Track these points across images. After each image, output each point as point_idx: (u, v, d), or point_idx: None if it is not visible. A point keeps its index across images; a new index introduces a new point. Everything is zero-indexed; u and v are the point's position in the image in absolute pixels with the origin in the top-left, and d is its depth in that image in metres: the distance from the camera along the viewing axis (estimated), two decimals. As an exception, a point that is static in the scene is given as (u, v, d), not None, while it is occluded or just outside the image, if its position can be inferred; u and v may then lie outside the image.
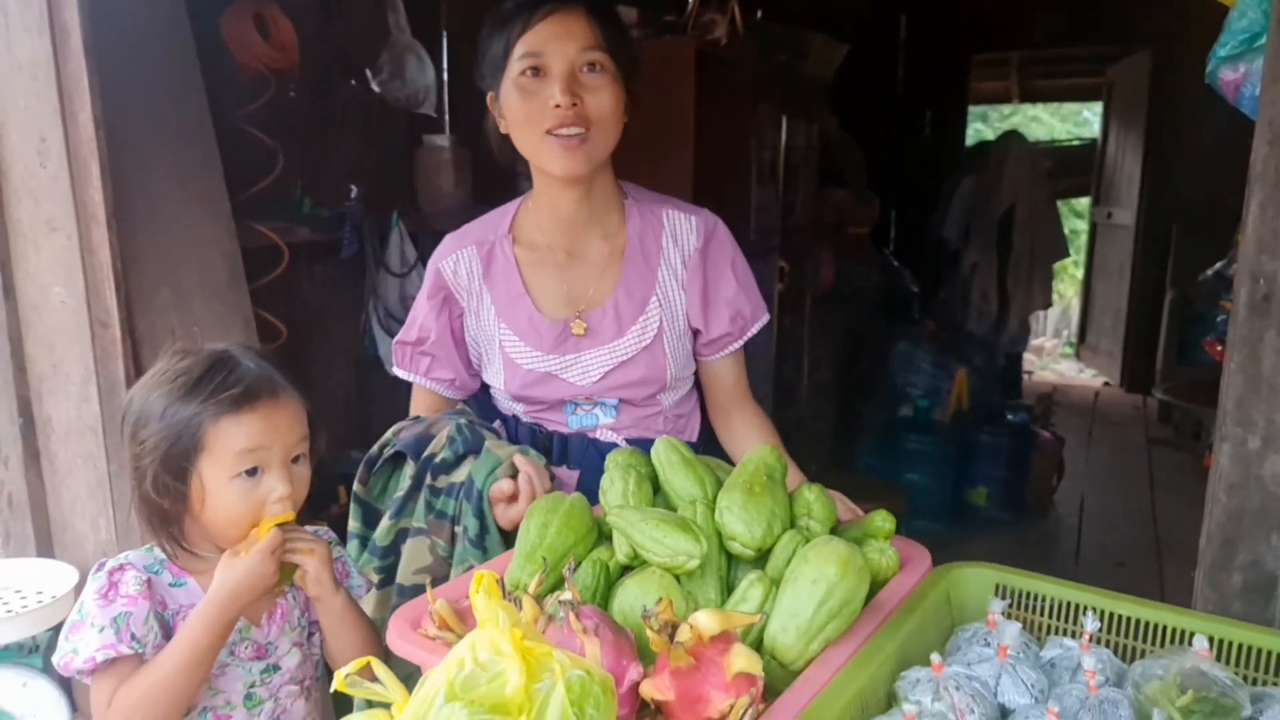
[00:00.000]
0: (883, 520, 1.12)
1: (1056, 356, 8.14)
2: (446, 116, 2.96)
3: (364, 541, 1.37)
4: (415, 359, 1.47)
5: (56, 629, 1.62)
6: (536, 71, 1.26)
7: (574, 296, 1.39)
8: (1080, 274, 7.67)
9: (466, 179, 2.89)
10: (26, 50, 1.63)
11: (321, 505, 2.47)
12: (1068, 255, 5.20)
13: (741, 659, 0.83)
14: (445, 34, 2.95)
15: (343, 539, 2.42)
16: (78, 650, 1.03)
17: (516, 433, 1.48)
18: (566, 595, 0.92)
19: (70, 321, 1.77)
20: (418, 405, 1.51)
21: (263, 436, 1.07)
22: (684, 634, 0.81)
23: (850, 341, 4.41)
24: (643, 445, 1.43)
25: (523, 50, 1.26)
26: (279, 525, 1.08)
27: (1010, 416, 3.98)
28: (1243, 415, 0.90)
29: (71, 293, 1.75)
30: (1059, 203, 5.61)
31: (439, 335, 1.44)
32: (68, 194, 1.67)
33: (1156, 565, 3.48)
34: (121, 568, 1.09)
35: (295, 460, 1.12)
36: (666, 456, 1.16)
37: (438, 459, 1.32)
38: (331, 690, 0.84)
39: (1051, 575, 1.09)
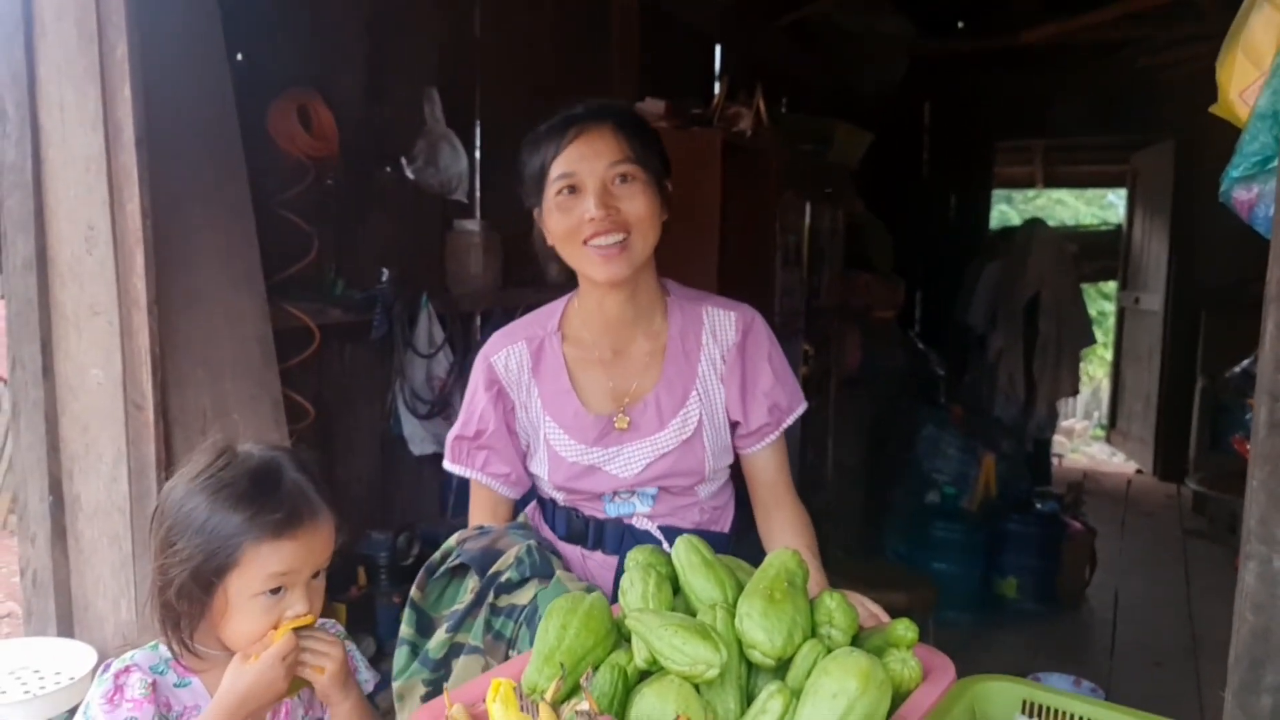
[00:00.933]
0: (905, 629, 1.10)
1: (1087, 439, 8.03)
2: (478, 202, 3.04)
3: (415, 649, 1.37)
4: (472, 454, 1.49)
5: (73, 711, 1.62)
6: (572, 190, 1.34)
7: (618, 392, 1.44)
8: (1109, 356, 7.62)
9: (495, 262, 2.95)
10: (81, 145, 1.70)
11: (341, 587, 2.46)
12: (1094, 342, 5.18)
13: (759, 780, 0.81)
14: (479, 123, 3.05)
15: (363, 624, 2.42)
16: None
17: (554, 517, 1.51)
18: (584, 705, 0.91)
19: (106, 403, 1.80)
20: (476, 505, 1.53)
21: (296, 561, 1.08)
22: (701, 754, 0.79)
23: (876, 425, 4.39)
24: (676, 534, 1.44)
25: (557, 172, 1.34)
26: (295, 629, 1.08)
27: (1040, 505, 3.91)
28: (1267, 533, 0.89)
29: (109, 375, 1.79)
30: (1086, 286, 5.62)
31: (496, 427, 1.47)
32: (112, 280, 1.72)
33: (1194, 664, 3.36)
34: (127, 669, 1.08)
35: (315, 575, 1.13)
36: (687, 558, 1.16)
37: (503, 577, 1.33)
38: None
39: (1085, 673, 1.06)
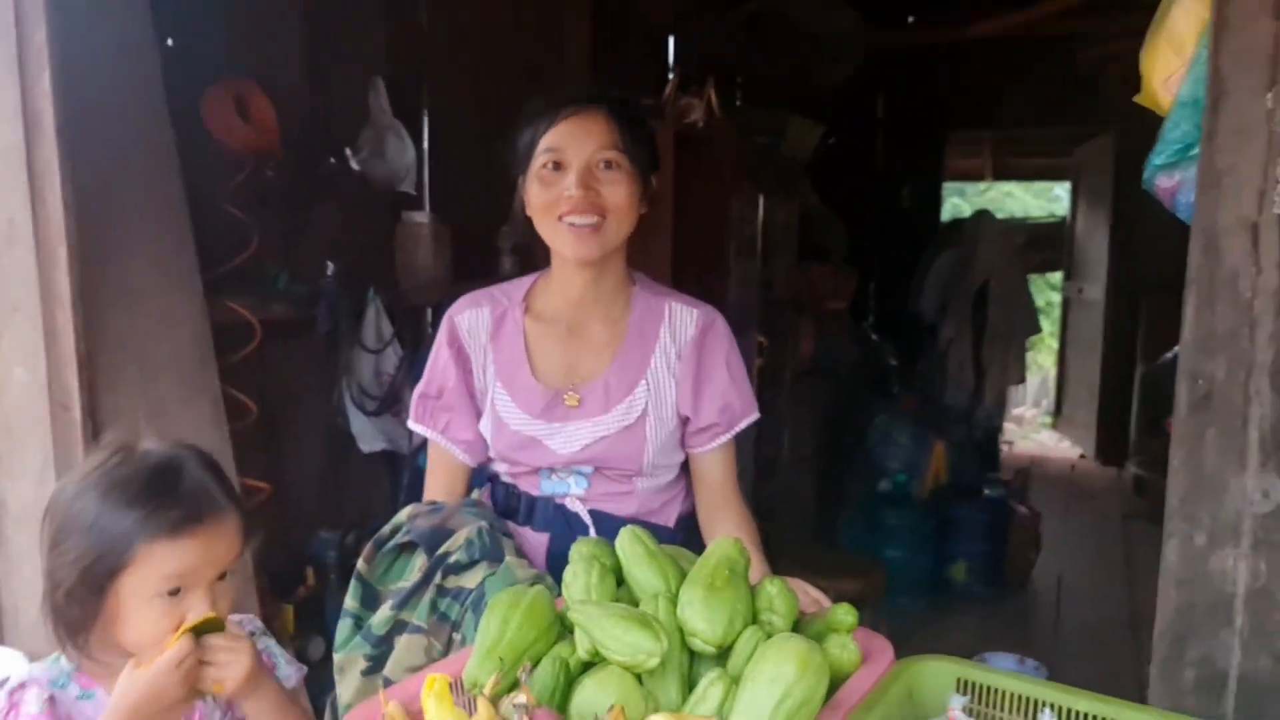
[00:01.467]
0: (845, 614, 1.11)
1: (1036, 426, 8.19)
2: (427, 193, 3.00)
3: (358, 622, 1.36)
4: (435, 414, 1.50)
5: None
6: (557, 166, 1.37)
7: (570, 370, 1.46)
8: (1056, 345, 7.78)
9: (445, 254, 2.91)
10: None
11: (289, 588, 2.42)
12: (1040, 331, 5.29)
13: (696, 767, 0.81)
14: (426, 114, 3.01)
15: (311, 624, 2.38)
16: None
17: (494, 493, 1.53)
18: (521, 699, 0.90)
19: (31, 404, 1.74)
20: (434, 470, 1.53)
21: (196, 561, 1.02)
22: (636, 744, 0.79)
23: (830, 415, 4.43)
24: (611, 521, 1.44)
25: (545, 145, 1.37)
26: (194, 629, 1.01)
27: (988, 491, 3.98)
28: (1188, 511, 0.91)
29: (33, 375, 1.73)
30: (1034, 277, 5.71)
31: (455, 384, 1.48)
32: (33, 276, 1.66)
33: (1134, 641, 3.45)
34: (23, 686, 1.03)
35: (221, 577, 1.06)
36: (631, 549, 1.15)
37: (452, 559, 1.32)
38: None
39: (1030, 652, 1.08)
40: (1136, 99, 1.07)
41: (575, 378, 1.45)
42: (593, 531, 1.45)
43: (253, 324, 2.28)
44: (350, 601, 1.38)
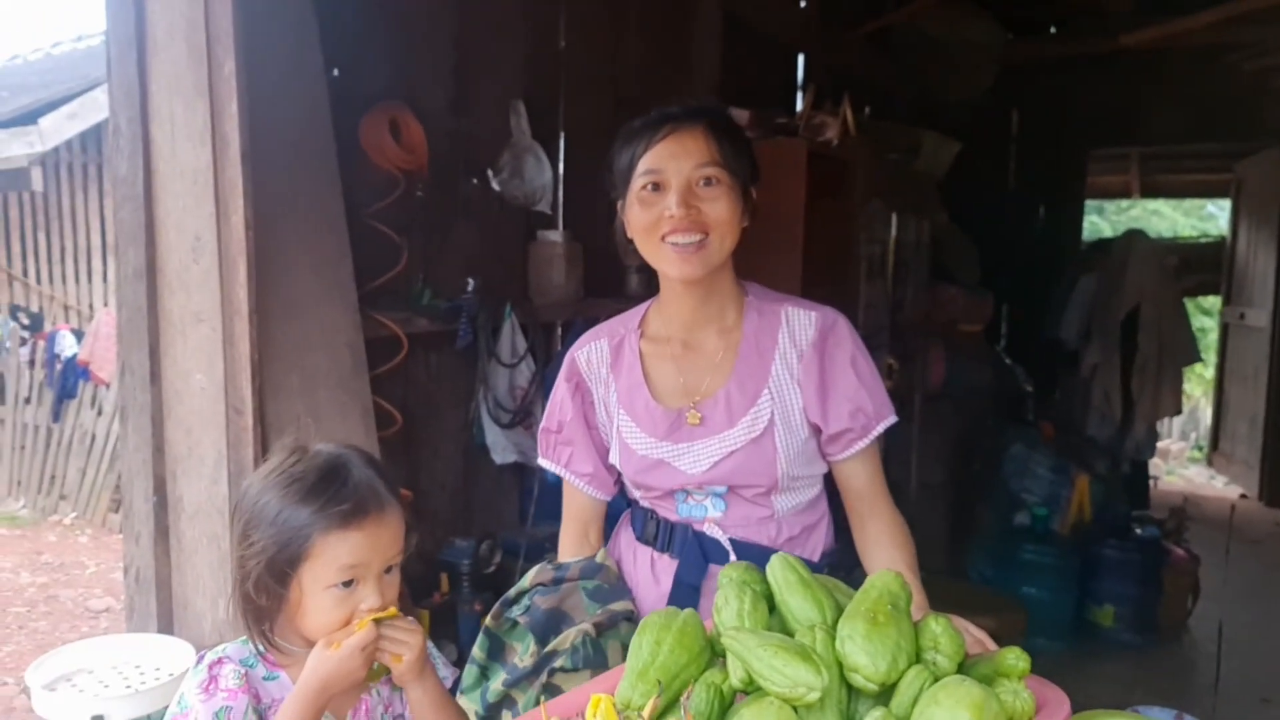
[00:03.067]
0: (1016, 659, 1.04)
1: (1184, 461, 7.68)
2: (561, 213, 3.06)
3: (484, 672, 1.40)
4: (557, 449, 1.53)
5: (171, 707, 1.66)
6: (656, 186, 1.35)
7: (689, 388, 1.43)
8: (1210, 374, 7.27)
9: (577, 273, 2.97)
10: (189, 158, 1.77)
11: (424, 593, 2.49)
12: (1199, 359, 4.92)
13: (868, 812, 0.78)
14: (563, 136, 3.08)
15: (445, 631, 2.44)
16: None
17: (634, 518, 1.54)
18: (682, 724, 0.89)
19: (208, 407, 1.87)
20: (568, 506, 1.56)
21: (365, 552, 1.10)
22: (808, 782, 0.76)
23: (961, 442, 4.26)
24: (751, 549, 1.41)
25: (644, 167, 1.35)
26: (376, 620, 1.10)
27: (1139, 530, 3.73)
28: None
29: (211, 380, 1.85)
30: (1185, 300, 5.35)
31: (573, 417, 1.50)
32: (216, 289, 1.78)
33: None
34: (220, 661, 1.12)
35: (388, 570, 1.15)
36: (784, 576, 1.13)
37: (558, 662, 1.34)
38: None
39: (1188, 708, 0.99)
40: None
41: (695, 395, 1.42)
42: (733, 558, 1.42)
43: (399, 337, 2.37)
44: (478, 652, 1.42)
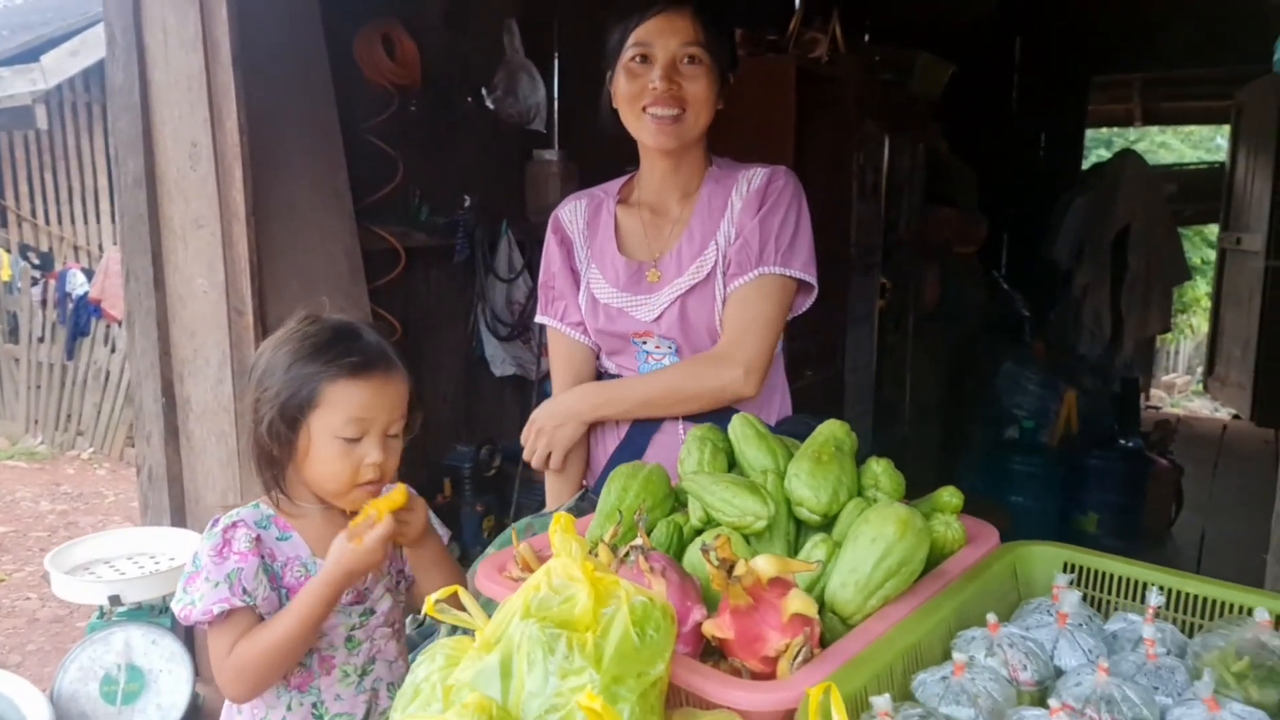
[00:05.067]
0: (950, 495, 1.14)
1: (1189, 394, 7.75)
2: (556, 132, 3.11)
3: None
4: (552, 302, 1.62)
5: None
6: (644, 59, 1.45)
7: (652, 246, 1.55)
8: (1210, 305, 7.29)
9: (573, 190, 2.99)
10: (182, 64, 1.83)
11: (428, 495, 2.60)
12: (1188, 278, 4.97)
13: (797, 602, 0.87)
14: (557, 55, 3.11)
15: (456, 525, 2.55)
16: (195, 603, 1.14)
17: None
18: (638, 541, 0.99)
19: (211, 310, 1.95)
20: (556, 361, 1.64)
21: (370, 405, 1.17)
22: (741, 569, 0.86)
23: (955, 361, 4.33)
24: (710, 412, 1.49)
25: (634, 40, 1.45)
26: (393, 511, 1.16)
27: (1124, 441, 3.82)
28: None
29: (213, 284, 1.93)
30: (1186, 230, 5.36)
31: (560, 267, 1.60)
32: (214, 194, 1.86)
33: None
34: (235, 525, 1.19)
35: (393, 435, 1.20)
36: (742, 431, 1.22)
37: None
38: (422, 616, 0.92)
39: None
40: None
41: (655, 252, 1.53)
42: (682, 424, 1.51)
43: (398, 250, 2.46)
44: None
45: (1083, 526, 3.77)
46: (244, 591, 1.15)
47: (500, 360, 2.86)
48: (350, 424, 1.16)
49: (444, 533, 1.36)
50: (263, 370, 1.19)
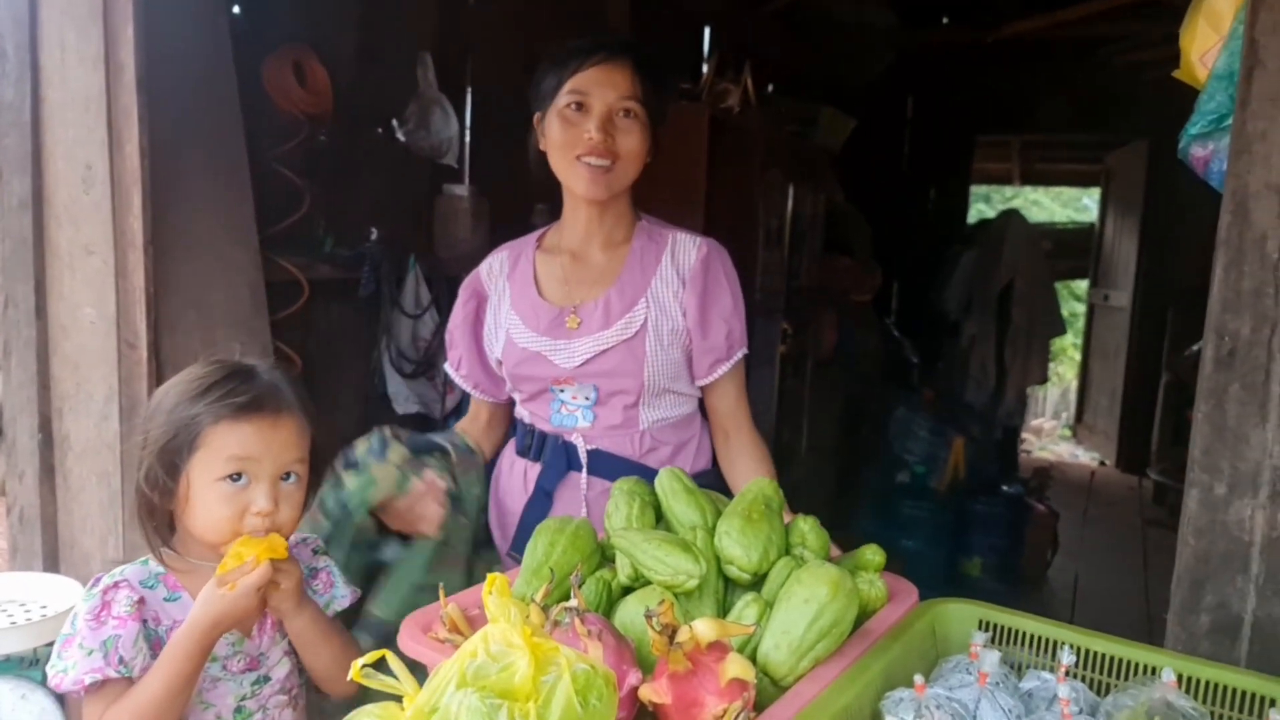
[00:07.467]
0: (873, 554, 1.17)
1: (1055, 438, 8.20)
2: (467, 167, 3.07)
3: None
4: (453, 348, 1.66)
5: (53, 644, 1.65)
6: (580, 107, 1.46)
7: (573, 293, 1.55)
8: (1079, 356, 7.77)
9: (483, 227, 2.99)
10: (81, 83, 1.73)
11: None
12: (1064, 332, 5.30)
13: (735, 666, 0.87)
14: (470, 90, 3.09)
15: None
16: (67, 670, 1.06)
17: (518, 435, 1.64)
18: (573, 603, 0.97)
19: (99, 342, 1.83)
20: (472, 411, 1.71)
21: (254, 447, 1.09)
22: (683, 635, 0.85)
23: (850, 406, 4.47)
24: (611, 460, 1.52)
25: (571, 87, 1.46)
26: (272, 561, 1.08)
27: (1006, 487, 4.02)
28: (1209, 462, 0.96)
29: (102, 314, 1.81)
30: (1058, 284, 5.72)
31: (461, 323, 1.64)
32: (108, 220, 1.75)
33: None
34: (116, 585, 1.10)
35: (287, 479, 1.13)
36: (670, 485, 1.22)
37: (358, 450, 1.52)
38: (348, 679, 0.86)
39: None
40: (1175, 74, 1.12)
41: (576, 299, 1.53)
42: (585, 471, 1.53)
43: (301, 282, 2.36)
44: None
45: (967, 570, 3.92)
46: (120, 661, 1.06)
47: (404, 397, 2.78)
48: (230, 464, 1.08)
49: (349, 593, 1.28)
50: (147, 415, 1.12)
